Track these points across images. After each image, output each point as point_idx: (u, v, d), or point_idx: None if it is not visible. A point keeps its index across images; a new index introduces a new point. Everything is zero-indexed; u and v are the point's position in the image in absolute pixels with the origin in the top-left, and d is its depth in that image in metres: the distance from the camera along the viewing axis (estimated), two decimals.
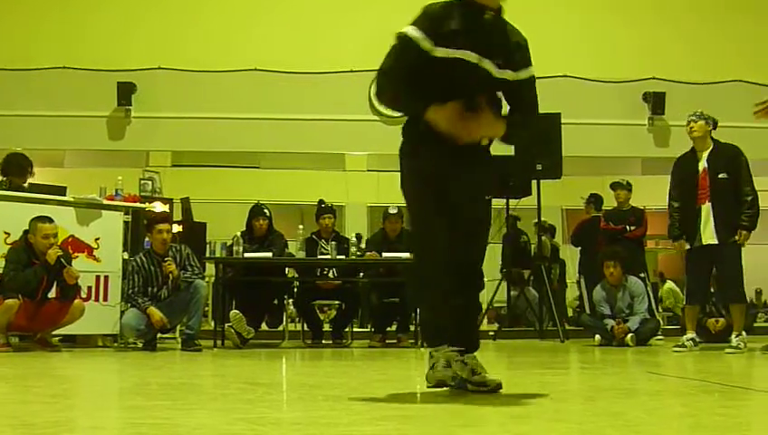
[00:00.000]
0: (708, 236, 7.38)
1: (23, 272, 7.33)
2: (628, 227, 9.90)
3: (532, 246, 11.77)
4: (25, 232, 7.49)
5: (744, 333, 7.44)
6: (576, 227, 11.71)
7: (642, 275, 9.37)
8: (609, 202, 10.61)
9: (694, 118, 7.52)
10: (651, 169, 15.72)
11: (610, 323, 8.60)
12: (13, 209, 7.78)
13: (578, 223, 11.71)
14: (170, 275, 7.80)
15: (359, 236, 8.93)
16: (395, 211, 9.07)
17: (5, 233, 7.69)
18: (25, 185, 8.21)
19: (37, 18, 12.73)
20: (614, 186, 10.18)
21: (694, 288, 7.69)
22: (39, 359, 6.55)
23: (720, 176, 7.37)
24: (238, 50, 12.82)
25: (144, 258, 7.93)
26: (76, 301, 7.55)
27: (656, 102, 13.11)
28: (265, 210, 8.80)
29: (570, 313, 13.23)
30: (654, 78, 13.10)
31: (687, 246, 7.58)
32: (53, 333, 7.64)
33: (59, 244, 7.56)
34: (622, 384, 4.80)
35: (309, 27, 12.92)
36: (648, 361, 6.78)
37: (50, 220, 7.50)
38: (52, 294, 7.51)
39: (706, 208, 7.40)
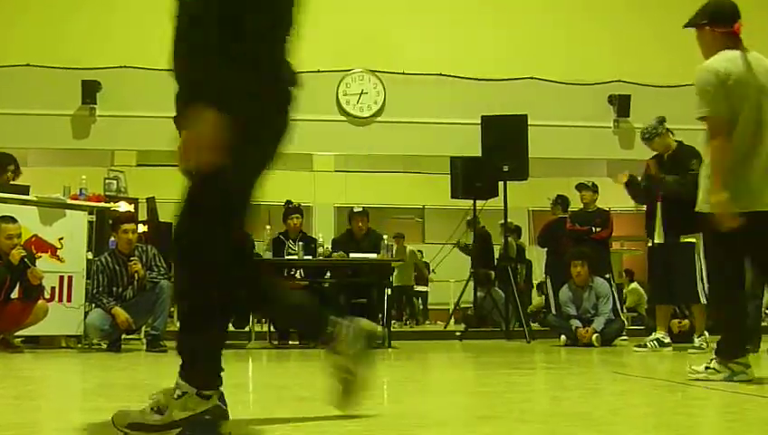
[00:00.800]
0: (659, 234, 7.52)
1: None
2: (593, 229, 9.94)
3: (497, 247, 11.81)
4: None
5: (706, 333, 7.52)
6: (542, 228, 11.75)
7: (607, 275, 9.42)
8: (576, 203, 10.66)
9: (648, 143, 7.70)
10: (616, 171, 15.73)
11: (576, 323, 8.66)
12: None
13: (544, 224, 11.74)
14: (136, 275, 7.74)
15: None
16: (360, 210, 9.15)
17: None
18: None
19: (1, 16, 12.55)
20: (580, 187, 10.21)
21: (655, 287, 7.82)
22: (1, 360, 6.47)
23: (669, 178, 7.47)
24: None
25: (109, 258, 7.85)
26: (39, 301, 7.46)
27: (621, 105, 13.20)
28: None
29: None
30: (619, 81, 13.20)
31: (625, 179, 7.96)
32: (16, 333, 7.54)
33: (22, 244, 7.46)
34: (588, 384, 4.85)
35: None
36: (612, 361, 6.84)
37: (13, 220, 7.39)
38: (15, 294, 7.40)
39: (660, 208, 7.53)
